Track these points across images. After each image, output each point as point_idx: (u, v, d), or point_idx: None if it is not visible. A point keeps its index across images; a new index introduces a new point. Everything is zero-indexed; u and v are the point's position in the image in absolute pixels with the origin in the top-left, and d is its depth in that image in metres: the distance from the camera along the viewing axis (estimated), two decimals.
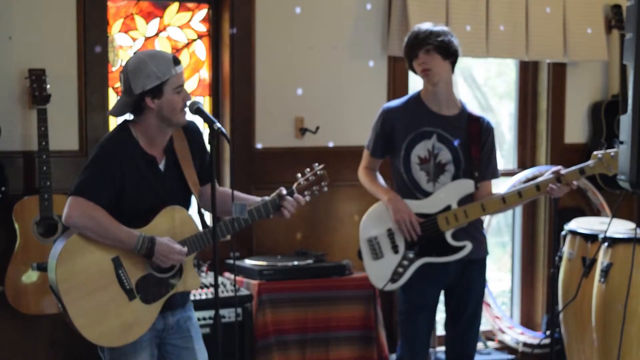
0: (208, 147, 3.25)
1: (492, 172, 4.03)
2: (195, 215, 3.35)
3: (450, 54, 3.91)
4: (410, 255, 3.92)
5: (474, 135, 3.95)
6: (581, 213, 5.65)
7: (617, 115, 5.60)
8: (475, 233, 3.98)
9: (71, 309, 3.13)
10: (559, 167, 3.93)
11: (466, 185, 3.94)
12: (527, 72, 5.87)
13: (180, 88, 3.18)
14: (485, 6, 5.35)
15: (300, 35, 5.05)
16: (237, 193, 3.41)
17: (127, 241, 3.12)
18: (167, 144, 3.27)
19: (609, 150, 3.88)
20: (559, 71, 5.78)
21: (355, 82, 5.03)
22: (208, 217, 3.44)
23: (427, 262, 3.91)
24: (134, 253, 3.14)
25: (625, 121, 3.18)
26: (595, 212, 5.81)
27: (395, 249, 3.94)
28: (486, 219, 5.61)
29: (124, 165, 3.16)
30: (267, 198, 3.34)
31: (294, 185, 3.40)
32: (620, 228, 4.53)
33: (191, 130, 3.35)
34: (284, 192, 3.34)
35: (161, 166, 3.25)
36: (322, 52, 5.10)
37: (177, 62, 3.19)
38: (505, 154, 6.09)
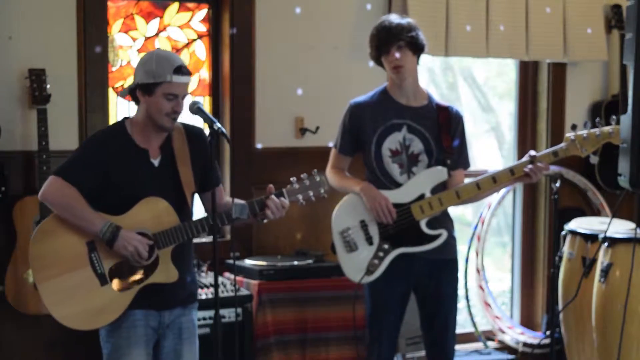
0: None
1: (464, 161, 4.01)
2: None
3: (419, 49, 3.91)
4: (386, 246, 3.86)
5: (443, 124, 3.92)
6: (581, 213, 5.65)
7: (618, 115, 5.60)
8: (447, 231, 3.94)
9: (42, 287, 3.20)
10: (532, 151, 3.92)
11: (439, 173, 3.90)
12: (527, 72, 5.87)
13: (172, 96, 3.21)
14: (485, 6, 5.35)
15: (301, 35, 5.05)
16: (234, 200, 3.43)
17: (94, 222, 3.17)
18: (165, 142, 3.31)
19: (581, 132, 3.84)
20: (559, 71, 5.78)
21: (355, 82, 5.03)
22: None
23: (403, 253, 3.85)
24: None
25: (625, 121, 3.18)
26: (595, 212, 5.81)
27: (369, 240, 3.88)
28: (486, 219, 5.63)
29: (112, 154, 3.22)
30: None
31: (286, 187, 3.37)
32: (620, 228, 4.53)
33: (194, 134, 3.37)
34: (273, 191, 3.32)
35: (155, 161, 3.28)
36: (322, 52, 5.10)
37: (180, 72, 3.21)
38: (505, 154, 6.09)
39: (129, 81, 4.82)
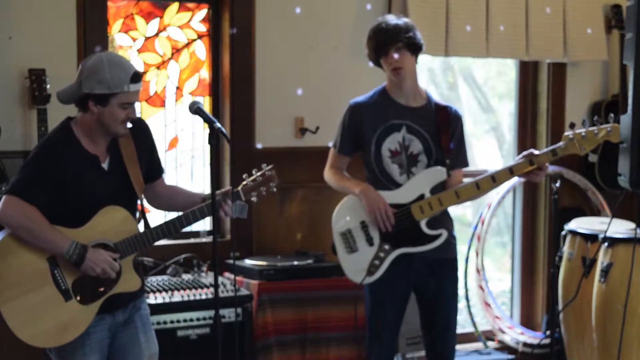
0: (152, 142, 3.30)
1: (462, 161, 4.01)
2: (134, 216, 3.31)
3: (417, 49, 3.91)
4: (386, 246, 3.86)
5: (442, 124, 3.92)
6: (581, 213, 5.65)
7: (617, 115, 5.60)
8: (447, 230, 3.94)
9: (4, 310, 3.08)
10: (532, 149, 3.92)
11: (438, 173, 3.90)
12: (527, 72, 5.87)
13: (127, 105, 3.12)
14: (485, 6, 5.35)
15: (300, 35, 5.05)
16: (182, 189, 3.46)
17: (59, 244, 3.06)
18: (111, 144, 3.22)
19: (579, 130, 3.84)
20: (559, 71, 5.78)
21: (355, 82, 5.03)
22: (153, 217, 3.46)
23: (404, 253, 3.86)
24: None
25: (625, 121, 3.17)
26: (595, 212, 5.81)
27: (370, 241, 3.88)
28: (486, 219, 5.63)
29: (65, 163, 3.10)
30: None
31: (240, 186, 3.36)
32: (620, 228, 4.53)
33: (138, 128, 3.29)
34: (230, 193, 3.30)
35: (105, 165, 3.20)
36: (322, 52, 5.10)
37: (136, 79, 3.11)
38: (505, 154, 6.10)
39: None
